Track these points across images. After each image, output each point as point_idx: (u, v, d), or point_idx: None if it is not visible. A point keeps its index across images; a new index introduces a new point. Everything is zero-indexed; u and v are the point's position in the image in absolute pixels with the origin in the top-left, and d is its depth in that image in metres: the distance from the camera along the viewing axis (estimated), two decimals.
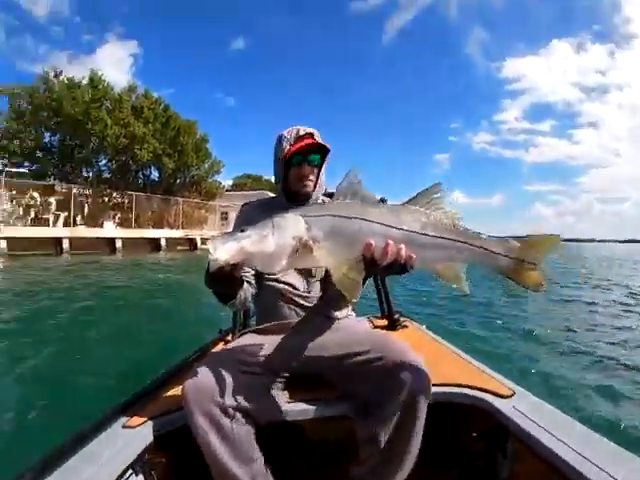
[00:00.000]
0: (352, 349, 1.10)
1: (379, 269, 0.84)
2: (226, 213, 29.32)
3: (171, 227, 22.95)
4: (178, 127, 25.02)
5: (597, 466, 0.87)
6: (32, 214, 17.88)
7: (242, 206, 1.43)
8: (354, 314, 1.44)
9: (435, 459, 1.29)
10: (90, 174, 22.70)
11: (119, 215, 22.02)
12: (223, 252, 0.81)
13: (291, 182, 1.30)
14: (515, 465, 1.15)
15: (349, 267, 0.83)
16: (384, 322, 2.05)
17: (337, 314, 1.31)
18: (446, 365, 1.42)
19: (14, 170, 19.38)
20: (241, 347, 1.16)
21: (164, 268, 13.60)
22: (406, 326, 2.00)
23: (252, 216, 1.10)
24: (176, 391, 1.21)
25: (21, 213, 17.40)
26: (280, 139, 1.29)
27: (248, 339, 1.23)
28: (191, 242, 22.21)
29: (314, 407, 1.14)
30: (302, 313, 1.26)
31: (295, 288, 1.27)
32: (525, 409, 1.12)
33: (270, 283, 1.27)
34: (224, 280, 0.94)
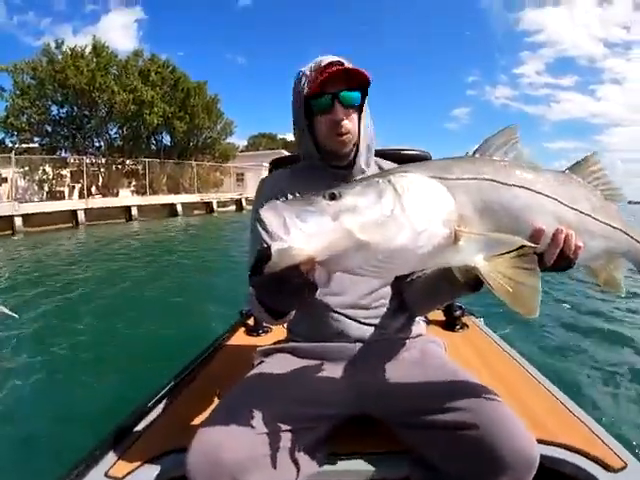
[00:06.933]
0: (431, 394, 0.78)
1: (544, 266, 0.58)
2: (242, 174, 28.99)
3: (187, 192, 22.98)
4: (187, 89, 24.46)
5: None
6: (46, 188, 18.28)
7: (266, 178, 1.06)
8: (424, 331, 1.03)
9: None
10: (101, 144, 22.79)
11: (134, 182, 22.29)
12: (305, 240, 0.44)
13: (319, 136, 0.90)
14: None
15: (514, 265, 0.53)
16: (441, 316, 1.73)
17: (407, 333, 0.94)
18: (529, 400, 1.03)
19: (25, 146, 19.67)
20: (273, 380, 0.84)
21: (180, 233, 13.94)
22: (466, 325, 1.69)
23: (285, 186, 0.92)
24: (181, 416, 0.98)
25: (35, 189, 17.78)
26: (299, 79, 0.90)
27: (282, 365, 0.89)
28: (207, 206, 22.30)
29: (365, 465, 0.81)
30: (358, 330, 0.89)
31: (350, 296, 0.89)
32: None
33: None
34: (288, 288, 0.55)
